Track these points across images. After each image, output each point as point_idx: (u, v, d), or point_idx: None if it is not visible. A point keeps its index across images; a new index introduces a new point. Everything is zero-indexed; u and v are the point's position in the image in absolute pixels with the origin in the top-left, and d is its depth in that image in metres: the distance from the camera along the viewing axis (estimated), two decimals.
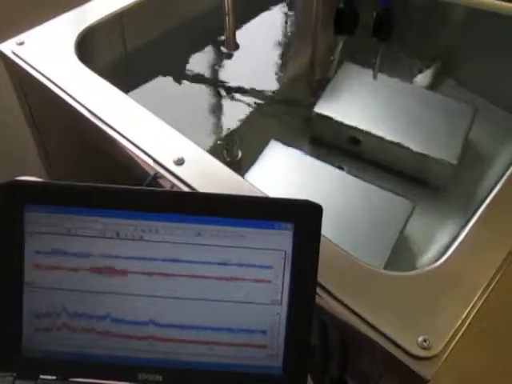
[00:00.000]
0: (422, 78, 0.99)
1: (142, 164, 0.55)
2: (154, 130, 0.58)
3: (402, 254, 0.76)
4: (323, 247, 0.45)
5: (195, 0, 0.85)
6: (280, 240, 0.44)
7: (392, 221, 0.76)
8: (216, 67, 0.89)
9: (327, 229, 0.73)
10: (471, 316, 0.46)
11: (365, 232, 0.75)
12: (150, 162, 0.55)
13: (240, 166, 0.83)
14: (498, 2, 0.77)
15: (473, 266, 0.50)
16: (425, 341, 0.44)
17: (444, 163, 0.82)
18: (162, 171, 0.54)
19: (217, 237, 0.44)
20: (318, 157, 0.88)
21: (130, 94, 0.74)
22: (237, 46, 0.74)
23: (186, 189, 0.52)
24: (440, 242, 0.80)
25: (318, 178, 0.80)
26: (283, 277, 0.45)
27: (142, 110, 0.60)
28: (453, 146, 0.84)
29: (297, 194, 0.77)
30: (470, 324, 0.46)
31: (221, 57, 0.88)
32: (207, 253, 0.44)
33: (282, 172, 0.80)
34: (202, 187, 0.52)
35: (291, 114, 0.92)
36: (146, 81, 0.83)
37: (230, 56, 0.85)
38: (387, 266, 0.71)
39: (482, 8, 0.77)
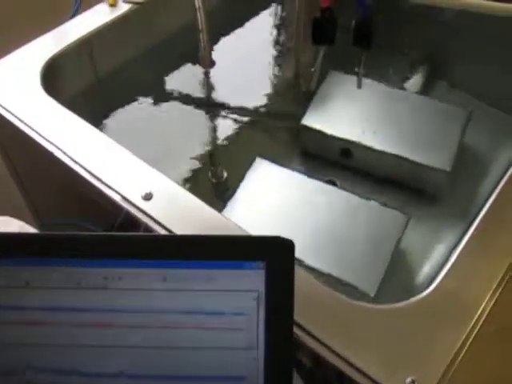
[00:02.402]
0: (414, 82, 0.95)
1: (111, 201, 0.52)
2: (122, 164, 0.56)
3: (397, 270, 0.73)
4: (302, 282, 0.42)
5: (167, 18, 0.82)
6: (252, 280, 0.41)
7: (386, 236, 0.73)
8: (195, 85, 0.86)
9: (317, 248, 0.71)
10: (464, 350, 0.43)
11: (357, 250, 0.72)
12: (118, 198, 0.52)
13: (226, 187, 0.80)
14: (487, 3, 0.73)
15: (464, 293, 0.47)
16: (413, 382, 0.40)
17: (437, 171, 0.79)
18: (129, 208, 0.51)
19: (184, 281, 0.42)
20: (308, 172, 0.85)
21: (104, 122, 0.72)
22: (212, 63, 0.71)
23: (154, 225, 0.50)
24: (437, 254, 0.77)
25: (305, 195, 0.77)
26: (258, 319, 0.42)
27: (110, 143, 0.58)
28: (446, 152, 0.80)
29: (284, 213, 0.75)
30: (464, 357, 0.43)
31: (199, 74, 0.85)
32: (175, 298, 0.42)
33: (268, 191, 0.77)
34: (171, 223, 0.50)
35: (279, 129, 0.89)
36: (120, 107, 0.80)
37: (208, 73, 0.82)
38: (382, 286, 0.68)
39: (471, 9, 0.73)
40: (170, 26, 0.82)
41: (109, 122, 0.77)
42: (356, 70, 0.74)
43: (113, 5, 0.77)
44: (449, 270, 0.48)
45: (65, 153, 0.56)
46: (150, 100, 0.83)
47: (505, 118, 0.90)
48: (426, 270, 0.76)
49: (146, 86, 0.83)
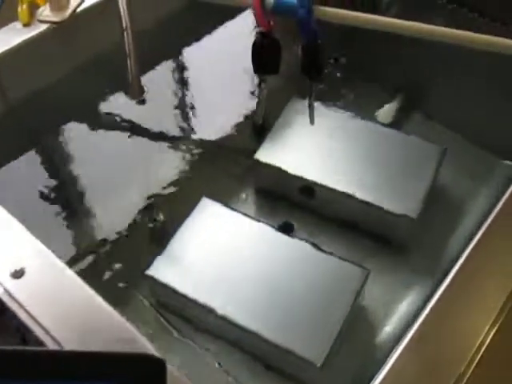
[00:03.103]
0: (387, 112, 0.86)
1: None
2: None
3: (353, 333, 0.65)
4: None
5: (91, 39, 0.72)
6: None
7: (341, 293, 0.64)
8: (129, 116, 0.76)
9: (260, 309, 0.62)
10: None
11: (307, 310, 0.63)
12: None
13: (164, 232, 0.71)
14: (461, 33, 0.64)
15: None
16: None
17: (402, 217, 0.70)
18: None
19: None
20: (263, 213, 0.77)
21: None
22: (142, 92, 0.61)
23: (19, 311, 0.41)
24: (400, 314, 0.68)
25: (253, 244, 0.68)
26: None
27: None
28: (414, 196, 0.71)
29: (225, 266, 0.66)
30: None
31: (133, 104, 0.75)
32: None
33: (211, 238, 0.68)
34: (41, 308, 0.41)
35: (231, 164, 0.80)
36: (32, 144, 0.71)
37: (144, 101, 0.72)
38: (333, 353, 0.59)
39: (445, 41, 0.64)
40: (94, 48, 0.73)
41: (11, 165, 0.68)
42: (308, 103, 0.65)
43: (27, 24, 0.68)
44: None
45: None
46: (71, 134, 0.74)
47: (482, 154, 0.81)
48: (387, 332, 0.67)
49: (66, 117, 0.74)
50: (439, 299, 0.52)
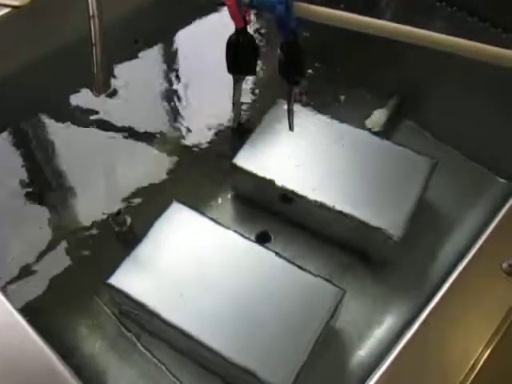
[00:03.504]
0: (377, 119, 0.81)
1: None
2: None
3: (324, 357, 0.61)
4: None
5: (56, 27, 0.67)
6: None
7: (313, 314, 0.60)
8: (98, 112, 0.72)
9: (223, 326, 0.58)
10: None
11: (275, 331, 0.59)
12: None
13: (131, 236, 0.67)
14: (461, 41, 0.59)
15: None
16: None
17: (385, 234, 0.65)
18: None
19: None
20: (238, 220, 0.73)
21: None
22: (107, 87, 0.56)
23: None
24: (376, 337, 0.64)
25: (222, 255, 0.64)
26: None
27: None
28: (399, 211, 0.66)
29: (189, 276, 0.61)
30: None
31: (100, 99, 0.70)
32: None
33: (179, 245, 0.64)
34: None
35: (210, 168, 0.76)
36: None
37: (115, 92, 0.67)
38: (301, 378, 0.55)
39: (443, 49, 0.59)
40: (58, 35, 0.69)
41: None
42: (287, 108, 0.60)
43: None
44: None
45: None
46: (33, 129, 0.70)
47: (476, 170, 0.76)
48: (362, 356, 0.63)
49: (26, 111, 0.69)
50: (427, 318, 0.50)
